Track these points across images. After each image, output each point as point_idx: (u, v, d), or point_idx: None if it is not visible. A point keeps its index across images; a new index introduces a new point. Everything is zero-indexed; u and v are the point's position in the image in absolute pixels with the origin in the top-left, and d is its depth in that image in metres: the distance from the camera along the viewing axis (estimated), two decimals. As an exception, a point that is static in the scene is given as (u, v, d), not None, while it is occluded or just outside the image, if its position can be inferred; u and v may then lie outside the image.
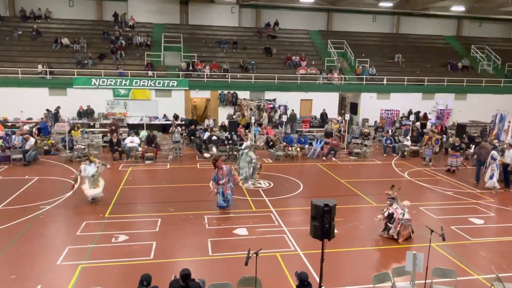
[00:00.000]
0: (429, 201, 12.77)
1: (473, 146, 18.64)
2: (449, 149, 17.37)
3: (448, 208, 12.21)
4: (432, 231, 7.14)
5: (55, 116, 22.22)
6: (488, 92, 28.56)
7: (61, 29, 28.17)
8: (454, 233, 10.09)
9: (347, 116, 20.45)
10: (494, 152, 14.00)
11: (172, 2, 30.55)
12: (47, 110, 22.18)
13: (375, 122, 25.50)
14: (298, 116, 25.32)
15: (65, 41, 26.39)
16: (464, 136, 19.85)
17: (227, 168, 11.38)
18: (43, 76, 23.77)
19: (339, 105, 28.08)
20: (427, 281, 6.83)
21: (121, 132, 19.33)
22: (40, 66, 23.84)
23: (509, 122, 18.30)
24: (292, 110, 24.72)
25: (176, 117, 23.67)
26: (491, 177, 13.76)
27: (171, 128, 20.00)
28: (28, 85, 23.05)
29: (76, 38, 26.71)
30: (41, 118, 21.35)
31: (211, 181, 11.60)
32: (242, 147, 17.51)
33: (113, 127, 18.39)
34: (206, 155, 17.26)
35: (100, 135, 19.71)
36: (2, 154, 16.15)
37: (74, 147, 16.88)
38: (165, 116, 24.04)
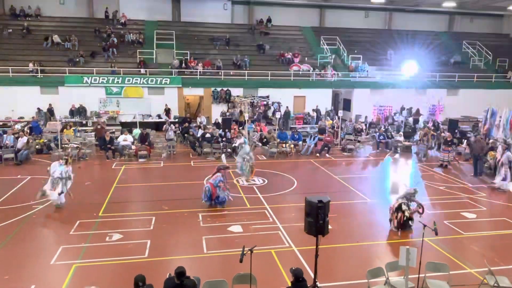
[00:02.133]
0: (421, 196, 12.83)
1: (465, 141, 18.81)
2: (441, 144, 17.51)
3: (440, 202, 12.31)
4: (425, 225, 7.20)
5: (49, 113, 22.04)
6: (480, 88, 28.75)
7: (52, 27, 27.88)
8: (447, 227, 10.18)
9: (340, 113, 20.51)
10: (510, 154, 13.65)
11: (164, -1, 30.39)
12: (38, 109, 21.99)
13: (365, 117, 25.57)
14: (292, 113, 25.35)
15: (56, 39, 26.14)
16: (456, 131, 20.00)
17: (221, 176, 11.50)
18: (34, 74, 23.54)
19: (333, 102, 28.14)
20: (420, 275, 6.89)
21: (113, 130, 19.19)
22: (31, 65, 23.59)
23: (500, 117, 18.43)
24: (287, 107, 24.74)
25: (167, 110, 23.54)
26: (504, 179, 13.44)
27: (164, 126, 19.94)
28: (19, 84, 22.81)
29: (67, 36, 26.46)
30: (32, 117, 21.18)
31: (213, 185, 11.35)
32: (236, 144, 17.58)
33: (99, 126, 18.09)
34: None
35: (93, 133, 19.59)
36: (-7, 154, 16.01)
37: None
38: (159, 116, 23.93)
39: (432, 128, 20.66)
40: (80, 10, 29.75)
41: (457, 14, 35.63)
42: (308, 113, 25.77)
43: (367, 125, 23.58)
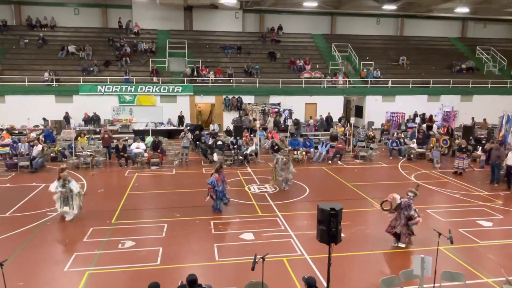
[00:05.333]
0: (436, 204, 12.67)
1: (480, 148, 18.52)
2: (456, 151, 17.28)
3: (455, 210, 12.11)
4: (440, 234, 7.08)
5: (66, 121, 22.44)
6: (494, 93, 28.39)
7: (67, 37, 28.45)
8: (462, 236, 10.00)
9: (352, 120, 20.39)
10: None
11: (176, 8, 30.75)
12: (44, 119, 22.37)
13: (382, 124, 25.37)
14: (302, 120, 25.30)
15: (71, 48, 26.65)
16: (470, 138, 19.71)
17: (223, 175, 11.71)
18: (49, 83, 23.99)
19: (344, 108, 28.04)
20: (435, 285, 6.77)
21: (126, 137, 19.35)
22: (46, 74, 24.07)
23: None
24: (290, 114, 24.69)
25: (181, 118, 23.76)
26: None
27: (181, 133, 20.05)
28: (34, 93, 23.27)
29: (82, 45, 26.97)
30: (45, 126, 21.55)
31: (208, 185, 11.49)
32: (248, 151, 17.60)
33: (106, 135, 18.19)
34: (213, 157, 17.30)
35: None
36: (9, 162, 16.29)
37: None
38: (169, 121, 24.18)
39: (442, 133, 20.41)
40: (94, 20, 30.30)
41: (470, 19, 35.31)
42: (309, 118, 25.72)
43: (380, 132, 23.39)
